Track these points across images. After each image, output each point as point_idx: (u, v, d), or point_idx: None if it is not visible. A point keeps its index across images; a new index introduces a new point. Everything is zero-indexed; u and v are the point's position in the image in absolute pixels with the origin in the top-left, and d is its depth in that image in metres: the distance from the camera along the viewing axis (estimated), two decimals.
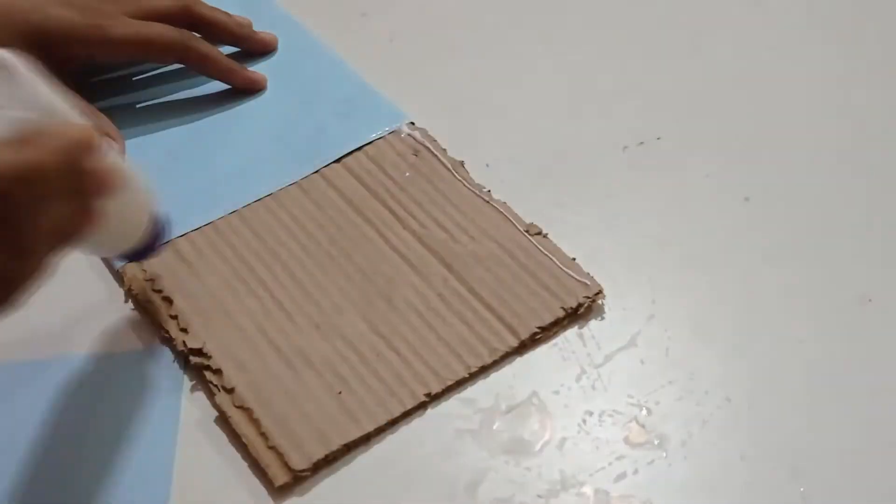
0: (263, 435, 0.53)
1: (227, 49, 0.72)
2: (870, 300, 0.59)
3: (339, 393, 0.54)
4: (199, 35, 0.70)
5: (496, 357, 0.56)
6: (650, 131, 0.68)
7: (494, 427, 0.54)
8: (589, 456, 0.53)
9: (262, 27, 0.74)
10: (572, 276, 0.59)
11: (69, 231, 0.46)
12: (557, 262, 0.60)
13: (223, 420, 0.54)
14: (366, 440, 0.53)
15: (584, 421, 0.54)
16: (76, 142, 0.45)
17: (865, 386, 0.55)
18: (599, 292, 0.58)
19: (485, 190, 0.64)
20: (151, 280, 0.60)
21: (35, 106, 0.44)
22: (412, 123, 0.68)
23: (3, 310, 0.45)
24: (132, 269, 0.60)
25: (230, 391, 0.55)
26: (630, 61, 0.74)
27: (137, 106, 0.71)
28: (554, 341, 0.57)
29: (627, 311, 0.59)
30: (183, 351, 0.57)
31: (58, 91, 0.46)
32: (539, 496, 0.51)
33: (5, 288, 0.44)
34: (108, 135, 0.66)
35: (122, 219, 0.51)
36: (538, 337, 0.57)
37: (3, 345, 0.58)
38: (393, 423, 0.54)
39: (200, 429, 0.54)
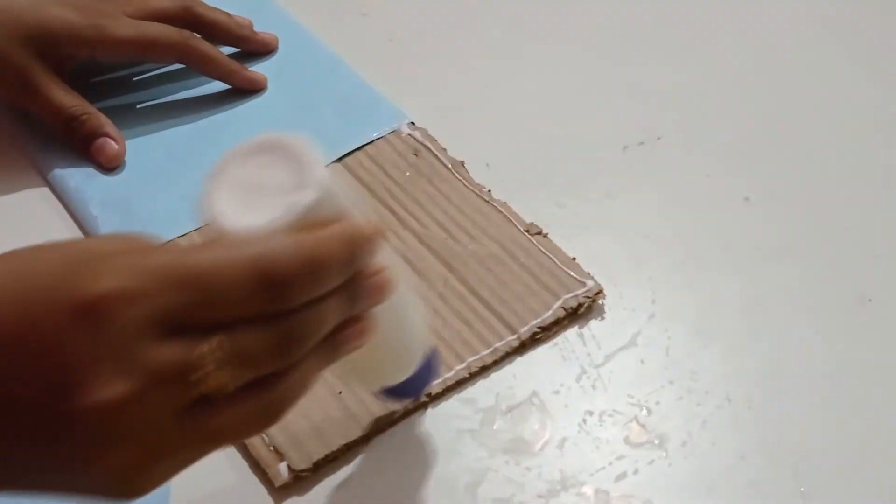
0: (263, 435, 0.53)
1: (228, 49, 0.72)
2: (870, 300, 0.59)
3: (340, 393, 0.54)
4: (199, 35, 0.70)
5: (496, 357, 0.56)
6: (650, 131, 0.68)
7: (494, 427, 0.54)
8: (589, 456, 0.53)
9: (262, 27, 0.74)
10: (572, 276, 0.59)
11: (339, 342, 0.40)
12: (557, 262, 0.60)
13: None
14: (366, 440, 0.53)
15: (585, 421, 0.54)
16: (361, 236, 0.39)
17: (865, 386, 0.55)
18: (599, 292, 0.58)
19: (485, 190, 0.64)
20: None
21: (323, 192, 0.39)
22: (412, 123, 0.68)
23: (266, 427, 0.38)
24: None
25: None
26: (630, 61, 0.74)
27: (137, 106, 0.71)
28: (554, 341, 0.57)
29: (627, 311, 0.59)
30: None
31: (345, 184, 0.40)
32: (539, 496, 0.51)
33: (272, 405, 0.38)
34: (108, 135, 0.66)
35: (394, 338, 0.46)
36: (538, 337, 0.57)
37: None
38: (393, 423, 0.54)
39: None
